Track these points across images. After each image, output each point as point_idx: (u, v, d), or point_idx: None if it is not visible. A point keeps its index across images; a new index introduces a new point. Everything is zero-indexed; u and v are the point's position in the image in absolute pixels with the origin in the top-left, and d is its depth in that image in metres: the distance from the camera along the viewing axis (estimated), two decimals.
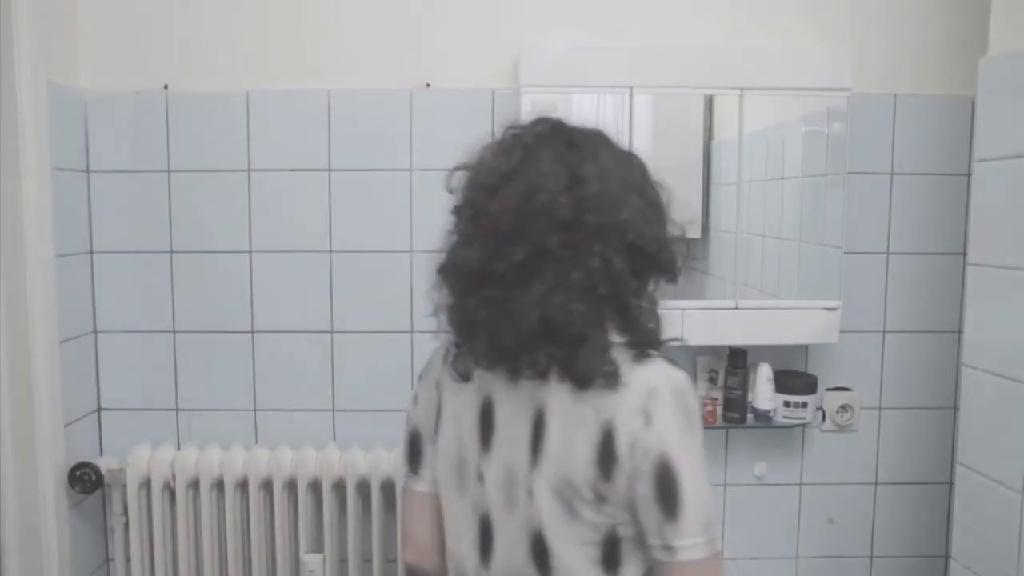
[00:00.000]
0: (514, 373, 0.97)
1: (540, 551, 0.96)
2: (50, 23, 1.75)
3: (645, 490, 0.92)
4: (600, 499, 0.93)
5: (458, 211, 1.02)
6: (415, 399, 1.14)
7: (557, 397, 0.95)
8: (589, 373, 0.92)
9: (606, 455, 0.92)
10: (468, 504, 1.03)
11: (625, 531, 0.95)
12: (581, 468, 0.93)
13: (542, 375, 0.95)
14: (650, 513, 0.92)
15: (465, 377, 1.02)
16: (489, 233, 0.95)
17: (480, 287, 0.96)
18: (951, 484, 1.93)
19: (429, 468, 1.10)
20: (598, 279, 0.93)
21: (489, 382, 1.01)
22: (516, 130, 1.03)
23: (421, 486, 1.11)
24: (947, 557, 1.87)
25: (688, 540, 0.91)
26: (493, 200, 0.95)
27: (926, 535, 1.99)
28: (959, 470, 1.73)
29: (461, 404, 1.04)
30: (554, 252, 0.92)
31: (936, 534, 1.98)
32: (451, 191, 1.04)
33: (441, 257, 1.03)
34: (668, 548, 0.92)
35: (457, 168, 1.04)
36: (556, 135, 1.00)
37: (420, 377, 1.15)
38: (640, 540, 0.95)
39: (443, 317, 1.02)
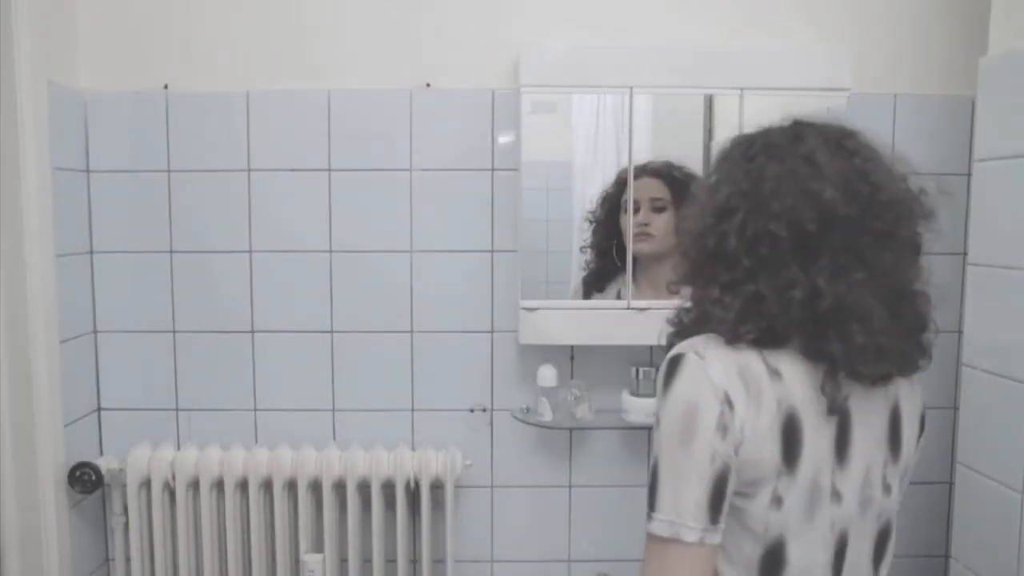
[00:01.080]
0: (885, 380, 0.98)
1: (883, 543, 1.05)
2: (50, 23, 1.75)
3: (917, 454, 1.07)
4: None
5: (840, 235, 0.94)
6: (724, 429, 0.90)
7: (905, 389, 1.03)
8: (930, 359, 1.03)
9: (921, 429, 1.06)
10: (820, 530, 0.96)
11: None
12: (913, 448, 1.05)
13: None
14: (910, 473, 1.07)
15: (843, 401, 0.94)
16: (892, 257, 0.97)
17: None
18: (951, 484, 1.93)
19: (725, 513, 0.93)
20: None
21: (845, 393, 0.95)
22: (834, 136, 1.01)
23: (717, 538, 0.93)
24: (947, 557, 1.86)
25: None
26: (882, 221, 0.97)
27: (926, 535, 1.99)
28: (959, 470, 1.73)
29: (819, 423, 0.94)
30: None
31: (936, 534, 1.98)
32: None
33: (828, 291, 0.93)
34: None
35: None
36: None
37: (725, 400, 0.91)
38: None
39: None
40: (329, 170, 1.89)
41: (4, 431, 1.67)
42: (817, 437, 0.94)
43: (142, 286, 1.91)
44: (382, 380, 1.93)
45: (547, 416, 1.86)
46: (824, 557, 0.97)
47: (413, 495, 1.88)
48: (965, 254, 1.83)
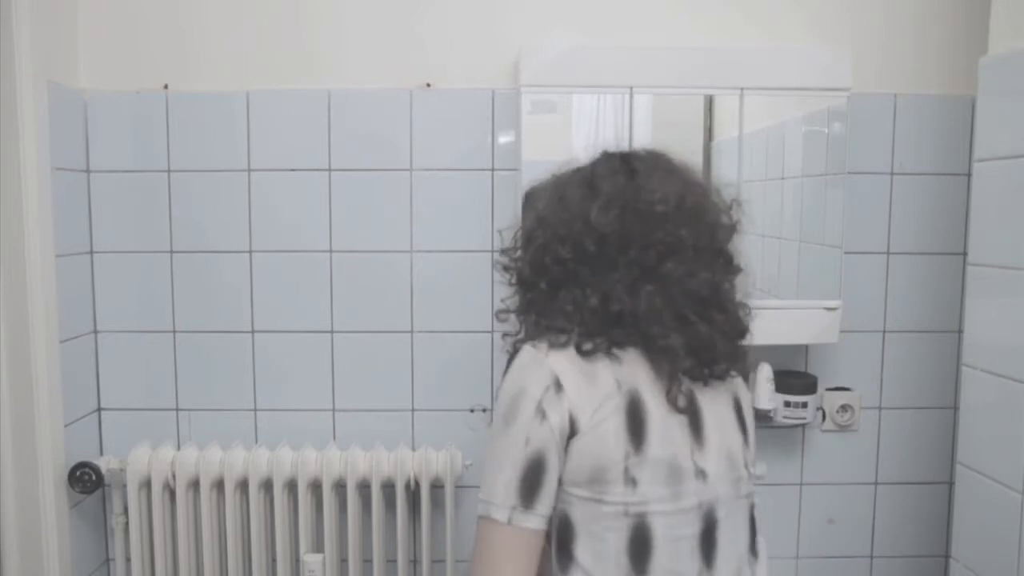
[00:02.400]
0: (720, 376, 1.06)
1: (753, 525, 1.09)
2: (50, 23, 1.75)
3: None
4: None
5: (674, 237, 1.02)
6: (543, 414, 0.95)
7: (739, 381, 1.10)
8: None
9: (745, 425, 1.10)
10: (686, 507, 0.99)
11: None
12: (754, 437, 1.12)
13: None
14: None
15: (688, 401, 1.01)
16: (711, 254, 1.05)
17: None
18: (951, 484, 1.93)
19: (546, 503, 0.96)
20: None
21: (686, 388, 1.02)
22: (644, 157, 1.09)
23: (531, 522, 0.96)
24: (947, 557, 1.87)
25: None
26: (663, 232, 1.01)
27: (926, 535, 1.99)
28: (959, 470, 1.73)
29: (667, 406, 1.00)
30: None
31: (936, 534, 1.98)
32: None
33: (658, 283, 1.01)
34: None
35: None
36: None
37: (554, 384, 0.96)
38: None
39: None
40: (329, 170, 1.89)
41: (4, 431, 1.67)
42: (667, 418, 0.99)
43: (142, 286, 1.91)
44: (382, 380, 1.93)
45: None
46: (690, 531, 0.99)
47: (413, 495, 1.88)
48: (965, 254, 1.83)
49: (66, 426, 1.79)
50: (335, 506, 1.88)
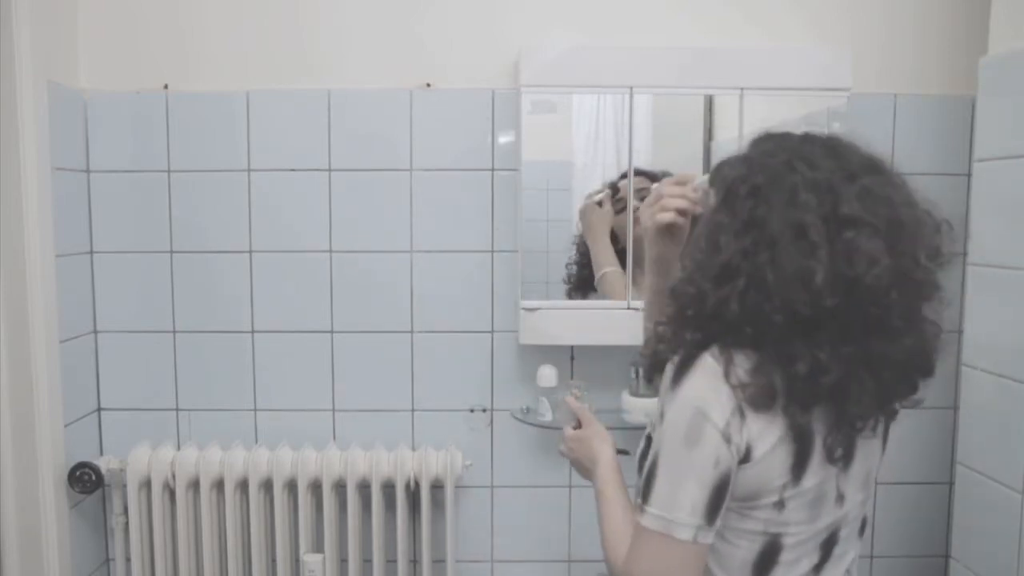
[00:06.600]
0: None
1: (863, 528, 1.10)
2: (50, 23, 1.75)
3: None
4: None
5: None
6: (729, 439, 0.91)
7: None
8: None
9: None
10: (818, 531, 1.00)
11: None
12: None
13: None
14: None
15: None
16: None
17: None
18: (951, 484, 1.93)
19: (721, 517, 0.95)
20: None
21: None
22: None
23: (710, 537, 0.95)
24: (947, 557, 1.86)
25: None
26: (874, 305, 0.94)
27: (926, 535, 1.99)
28: (959, 470, 1.73)
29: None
30: None
31: (936, 534, 1.98)
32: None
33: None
34: None
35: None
36: None
37: (738, 410, 0.91)
38: None
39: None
40: (329, 170, 1.89)
41: (4, 431, 1.67)
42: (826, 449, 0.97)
43: (142, 286, 1.91)
44: (382, 380, 1.93)
45: (547, 416, 1.86)
46: (813, 546, 1.00)
47: (413, 495, 1.88)
48: (965, 254, 1.83)
49: (66, 426, 1.79)
50: (335, 506, 1.88)
